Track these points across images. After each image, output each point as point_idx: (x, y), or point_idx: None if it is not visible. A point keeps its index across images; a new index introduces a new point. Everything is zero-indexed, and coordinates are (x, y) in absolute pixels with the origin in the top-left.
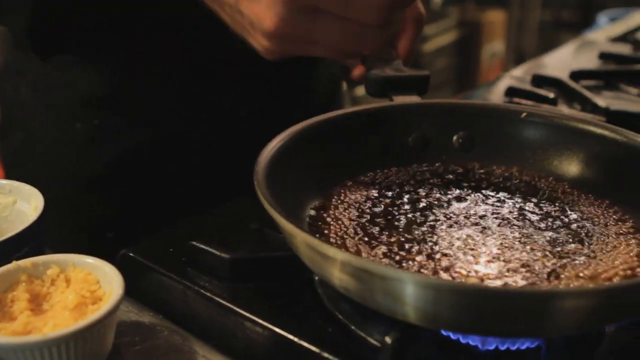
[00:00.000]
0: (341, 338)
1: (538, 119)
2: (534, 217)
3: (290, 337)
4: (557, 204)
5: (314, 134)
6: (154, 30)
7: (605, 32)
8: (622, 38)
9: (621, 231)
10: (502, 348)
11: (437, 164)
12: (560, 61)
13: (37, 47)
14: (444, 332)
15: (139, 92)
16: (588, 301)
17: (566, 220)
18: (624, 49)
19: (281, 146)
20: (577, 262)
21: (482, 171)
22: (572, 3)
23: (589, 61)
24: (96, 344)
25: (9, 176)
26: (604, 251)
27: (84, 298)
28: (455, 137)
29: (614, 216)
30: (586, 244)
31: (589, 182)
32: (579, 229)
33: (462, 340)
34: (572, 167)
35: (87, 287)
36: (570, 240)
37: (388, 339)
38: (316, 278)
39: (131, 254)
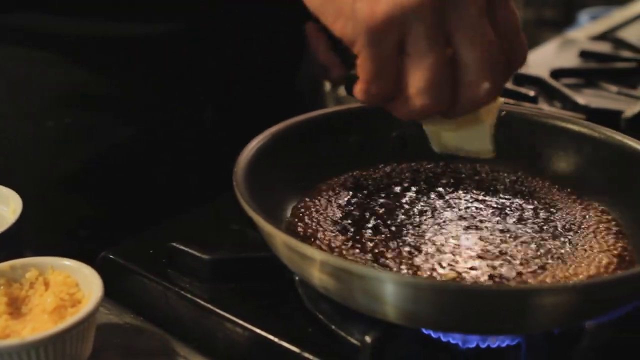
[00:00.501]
0: (322, 338)
1: (517, 117)
2: (514, 214)
3: (271, 337)
4: (536, 201)
5: (294, 133)
6: (129, 32)
7: (585, 30)
8: (603, 36)
9: (600, 227)
10: (483, 346)
11: (417, 163)
12: (542, 59)
13: None
14: (424, 331)
15: (112, 92)
16: (567, 297)
17: (545, 217)
18: (604, 47)
19: (261, 146)
20: (556, 259)
21: (462, 169)
22: (554, 1)
23: (570, 59)
24: (75, 347)
25: None
26: (583, 248)
27: (63, 301)
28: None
29: (593, 213)
30: (565, 241)
31: (569, 179)
32: (558, 226)
33: (443, 339)
34: (551, 165)
35: (66, 290)
36: (550, 237)
37: (368, 338)
38: (297, 278)
39: (111, 256)
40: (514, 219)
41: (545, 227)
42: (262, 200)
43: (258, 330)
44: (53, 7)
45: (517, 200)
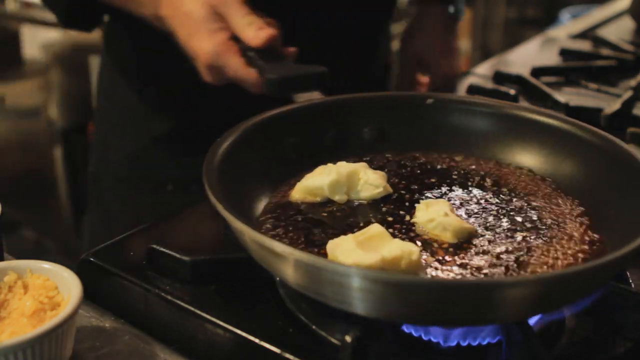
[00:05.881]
0: (302, 338)
1: (486, 110)
2: (478, 205)
3: (252, 338)
4: (509, 192)
5: (265, 128)
6: None
7: (566, 29)
8: (583, 35)
9: (573, 218)
10: (464, 344)
11: (394, 155)
12: (523, 58)
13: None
14: (405, 330)
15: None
16: (530, 289)
17: (518, 209)
18: (584, 46)
19: (231, 143)
20: (528, 250)
21: (438, 163)
22: (536, 0)
23: (550, 58)
24: (55, 350)
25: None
26: (555, 239)
27: (42, 304)
28: (368, 130)
29: (566, 204)
30: (539, 232)
31: (540, 171)
32: (532, 218)
33: (424, 338)
34: (522, 157)
35: (45, 293)
36: (524, 229)
37: (348, 338)
38: (277, 279)
39: (92, 259)
40: (478, 210)
41: (514, 218)
42: (235, 197)
43: (239, 332)
44: None
45: (481, 189)
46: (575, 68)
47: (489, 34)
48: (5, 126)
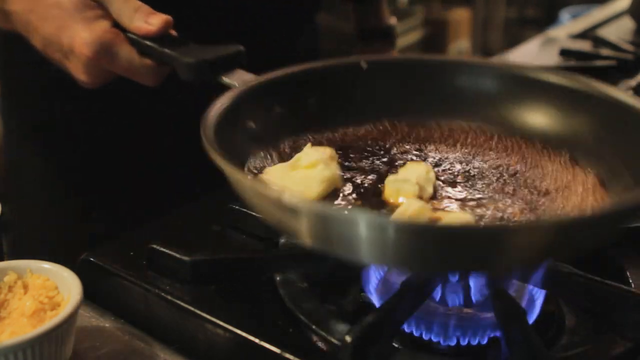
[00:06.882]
0: (302, 338)
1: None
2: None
3: (252, 338)
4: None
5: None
6: None
7: (566, 28)
8: (583, 35)
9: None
10: (463, 343)
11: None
12: (523, 58)
13: None
14: (405, 329)
15: None
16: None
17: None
18: (584, 46)
19: (224, 109)
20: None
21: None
22: (536, 0)
23: (550, 58)
24: (55, 350)
25: None
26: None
27: (42, 304)
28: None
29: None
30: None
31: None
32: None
33: (424, 337)
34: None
35: (45, 293)
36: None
37: (348, 338)
38: (277, 279)
39: (91, 259)
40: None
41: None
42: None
43: (239, 332)
44: None
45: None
46: (575, 68)
47: (489, 34)
48: None
